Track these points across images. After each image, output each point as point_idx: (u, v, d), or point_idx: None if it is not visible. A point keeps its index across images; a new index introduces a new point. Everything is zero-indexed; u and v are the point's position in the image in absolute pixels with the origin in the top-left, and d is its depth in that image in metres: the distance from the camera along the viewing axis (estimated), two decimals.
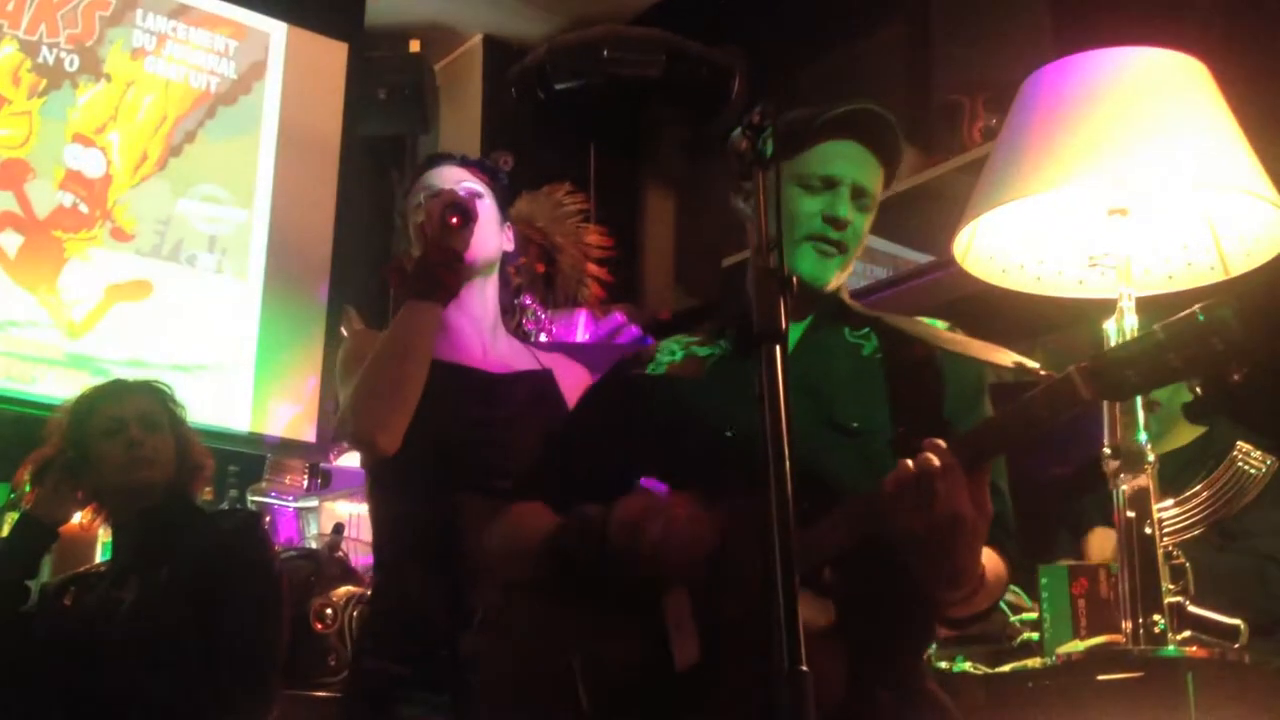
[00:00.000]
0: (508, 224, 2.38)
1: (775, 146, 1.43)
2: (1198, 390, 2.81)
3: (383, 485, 2.31)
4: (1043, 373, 1.51)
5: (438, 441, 2.20)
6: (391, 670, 2.18)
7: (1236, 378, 2.83)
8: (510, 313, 2.42)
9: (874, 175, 1.77)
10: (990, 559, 1.58)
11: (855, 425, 1.66)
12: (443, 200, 2.24)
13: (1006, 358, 1.64)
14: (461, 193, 2.28)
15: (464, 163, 2.38)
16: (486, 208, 2.31)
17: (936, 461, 1.42)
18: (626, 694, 1.57)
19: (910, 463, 1.44)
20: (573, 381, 2.32)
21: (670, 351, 1.84)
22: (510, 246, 2.38)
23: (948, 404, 1.70)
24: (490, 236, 2.31)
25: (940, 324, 1.78)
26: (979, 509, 1.46)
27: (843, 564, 1.51)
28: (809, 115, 1.74)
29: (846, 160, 1.75)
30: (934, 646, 2.40)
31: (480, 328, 2.33)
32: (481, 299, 2.33)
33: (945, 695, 1.70)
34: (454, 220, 2.18)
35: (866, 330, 1.78)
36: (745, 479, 1.48)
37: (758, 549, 1.26)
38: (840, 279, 1.78)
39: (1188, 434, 2.81)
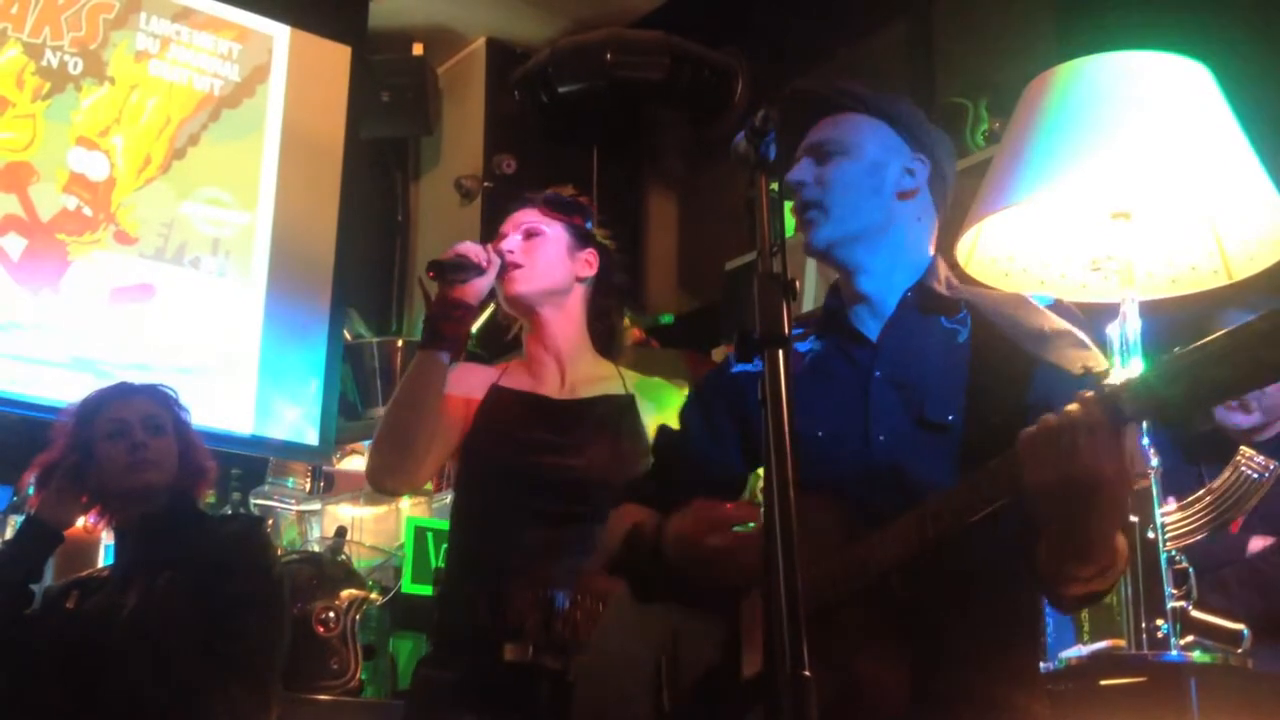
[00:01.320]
0: (590, 249, 2.45)
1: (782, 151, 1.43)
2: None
3: (454, 506, 2.46)
4: (1105, 378, 1.43)
5: (499, 466, 2.32)
6: (439, 678, 2.29)
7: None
8: (611, 335, 2.47)
9: (826, 127, 1.73)
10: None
11: (949, 420, 1.61)
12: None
13: (1078, 360, 1.55)
14: (520, 232, 2.41)
15: (534, 203, 2.47)
16: (546, 242, 2.40)
17: (1080, 412, 1.35)
18: (704, 698, 1.58)
19: (1052, 415, 1.37)
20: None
21: None
22: (589, 271, 2.44)
23: (1031, 395, 1.60)
24: (551, 268, 2.39)
25: (1046, 300, 1.71)
26: (1120, 475, 1.37)
27: (915, 571, 1.47)
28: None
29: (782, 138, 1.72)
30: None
31: (557, 355, 2.41)
32: (555, 327, 2.41)
33: (1048, 711, 1.62)
34: (430, 275, 2.29)
35: (963, 315, 1.71)
36: (829, 481, 1.51)
37: (821, 554, 1.24)
38: (832, 232, 1.71)
39: None
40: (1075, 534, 1.42)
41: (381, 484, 2.42)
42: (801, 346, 1.75)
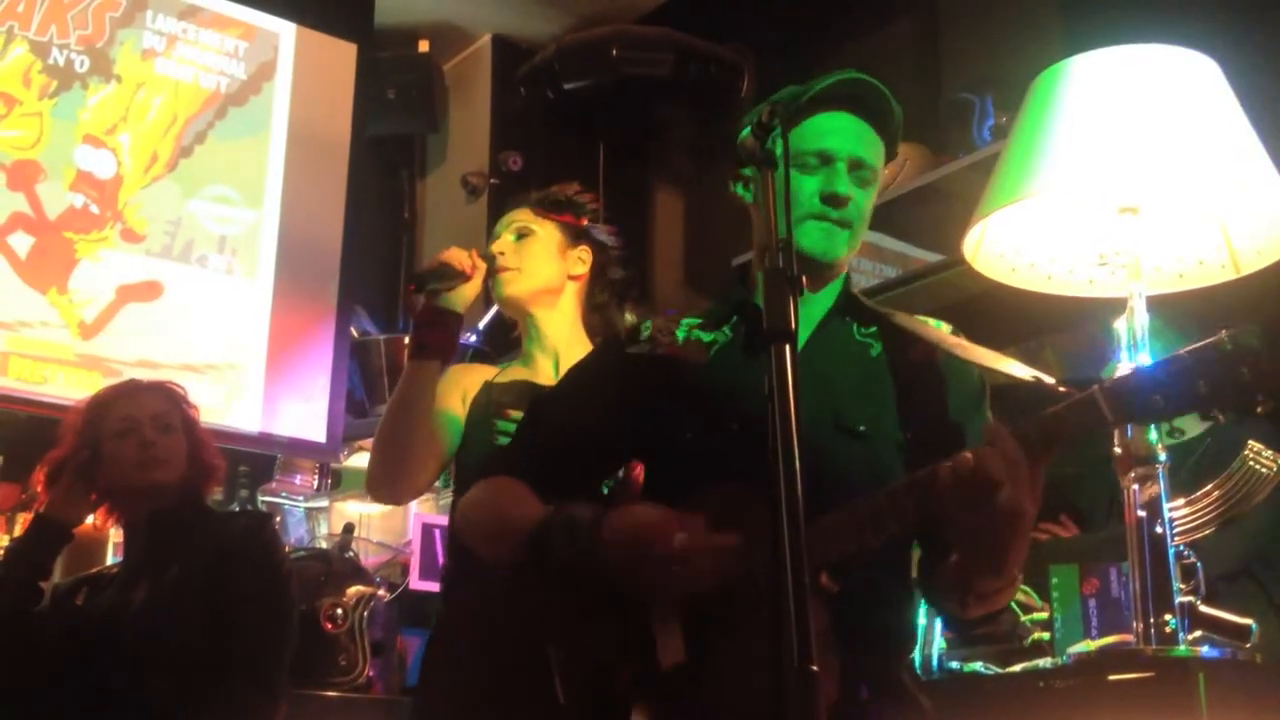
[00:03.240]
0: (583, 246, 2.47)
1: (783, 144, 1.43)
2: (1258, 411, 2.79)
3: (452, 501, 2.45)
4: (1062, 389, 1.48)
5: (489, 454, 2.30)
6: (434, 677, 2.31)
7: (1260, 410, 2.80)
8: (608, 328, 2.48)
9: (872, 147, 1.73)
10: None
11: (862, 429, 1.65)
12: None
13: (1022, 370, 1.61)
14: (511, 233, 2.43)
15: (526, 202, 2.49)
16: (536, 242, 2.43)
17: (999, 456, 1.40)
18: (604, 689, 1.56)
19: (970, 455, 1.41)
20: None
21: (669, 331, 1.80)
22: (582, 269, 2.47)
23: (951, 406, 1.68)
24: (541, 268, 2.43)
25: (945, 326, 1.76)
26: (1037, 505, 1.44)
27: (842, 565, 1.50)
28: (798, 91, 1.71)
29: (840, 134, 1.70)
30: (943, 646, 2.40)
31: (552, 352, 2.43)
32: (550, 326, 2.44)
33: (920, 691, 1.69)
34: (411, 289, 2.28)
35: (874, 329, 1.76)
36: (749, 475, 1.47)
37: (760, 547, 1.25)
38: (848, 256, 1.74)
39: (1192, 425, 2.80)
40: (990, 555, 1.48)
41: (379, 496, 2.49)
42: (704, 337, 1.76)
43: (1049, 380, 1.56)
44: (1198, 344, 1.36)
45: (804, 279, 1.67)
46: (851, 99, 1.71)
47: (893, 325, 1.75)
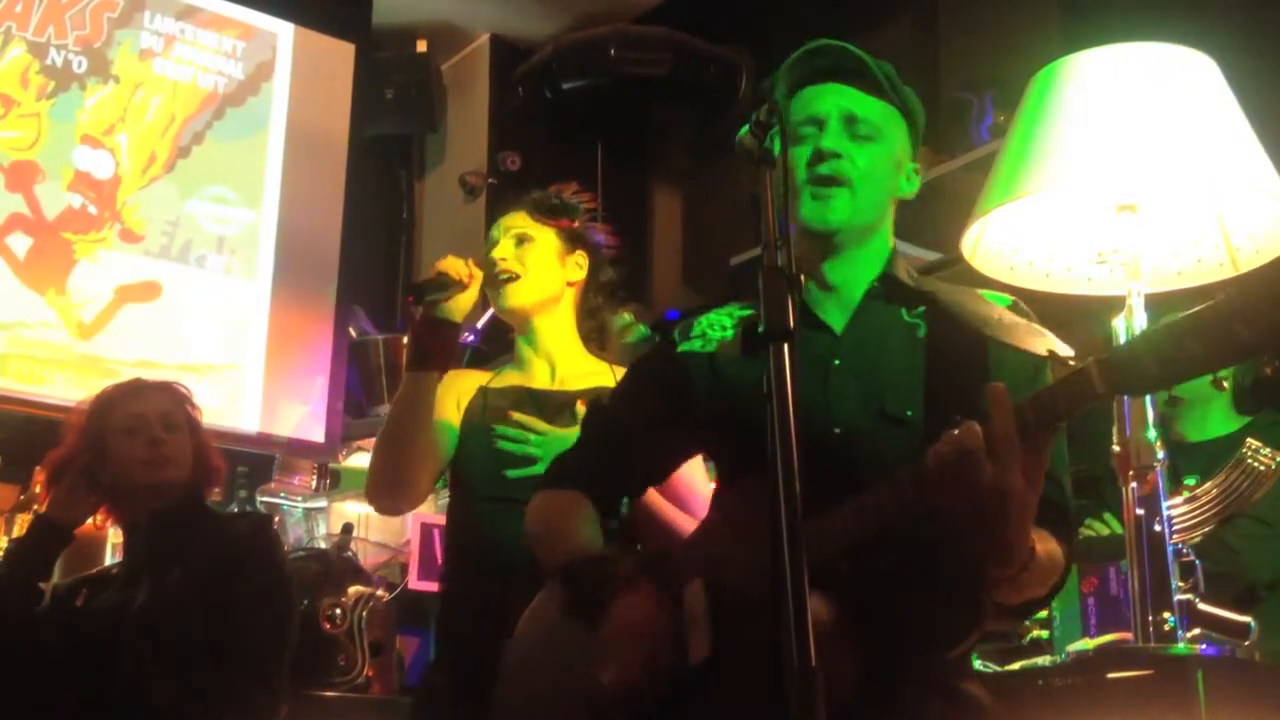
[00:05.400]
0: (579, 250, 2.47)
1: (781, 142, 1.42)
2: (1266, 371, 2.77)
3: (449, 505, 2.48)
4: (1070, 362, 1.41)
5: (486, 459, 2.32)
6: (442, 681, 2.32)
7: (1268, 370, 2.79)
8: (602, 333, 2.48)
9: (864, 103, 1.68)
10: (1042, 540, 1.51)
11: (909, 414, 1.60)
12: None
13: (1041, 344, 1.56)
14: (510, 238, 2.42)
15: (523, 206, 2.48)
16: (536, 249, 2.42)
17: (980, 434, 1.35)
18: (645, 685, 1.57)
19: (956, 433, 1.37)
20: None
21: (720, 326, 1.77)
22: (580, 274, 2.47)
23: (992, 380, 1.61)
24: (543, 277, 2.42)
25: (1004, 299, 1.71)
26: (1029, 484, 1.38)
27: (861, 554, 1.47)
28: (778, 76, 1.70)
29: (826, 94, 1.67)
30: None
31: (548, 356, 2.43)
32: (547, 332, 2.44)
33: (987, 696, 1.63)
34: (410, 300, 2.33)
35: (922, 310, 1.70)
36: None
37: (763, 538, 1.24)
38: (851, 217, 1.67)
39: (1227, 424, 2.80)
40: (984, 539, 1.42)
41: (380, 506, 2.51)
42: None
43: (1064, 353, 1.49)
44: (1195, 308, 1.30)
45: (824, 269, 1.67)
46: (830, 72, 1.69)
47: (940, 306, 1.69)
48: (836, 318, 1.70)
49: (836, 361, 1.65)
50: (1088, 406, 1.37)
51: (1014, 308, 1.71)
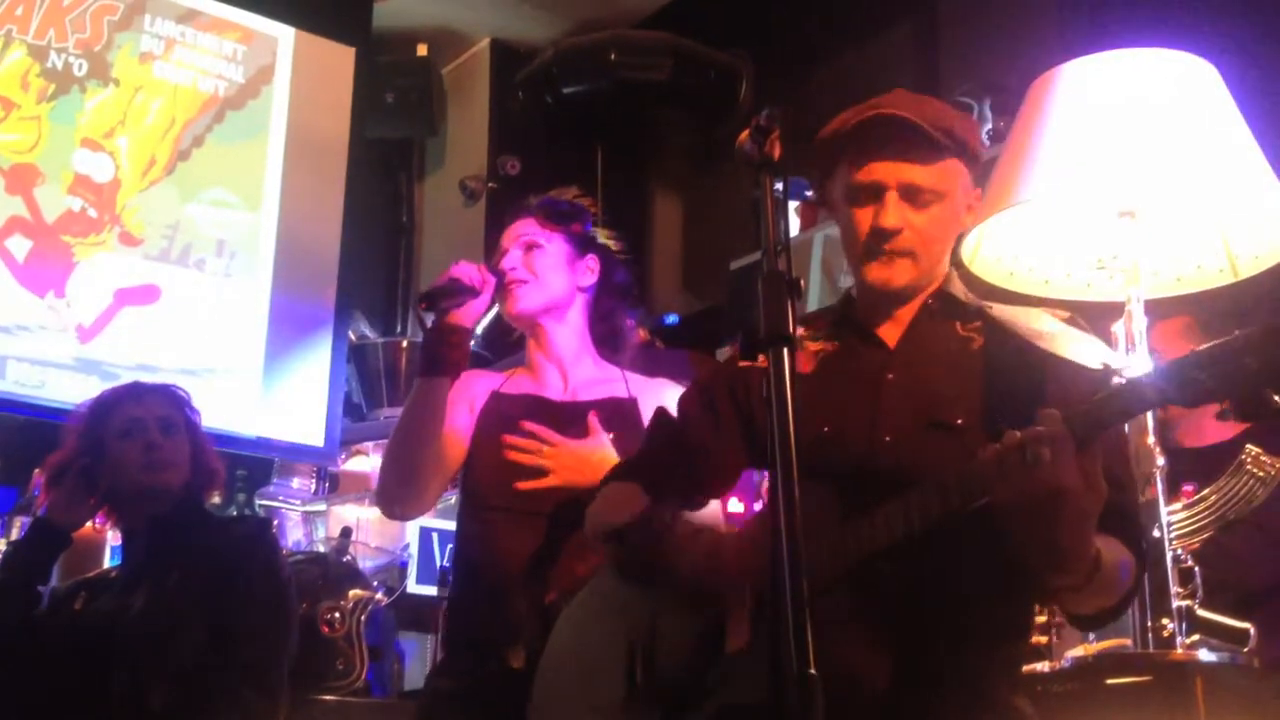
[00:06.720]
0: (590, 255, 2.45)
1: (787, 151, 1.42)
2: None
3: (459, 513, 2.44)
4: (1116, 378, 1.47)
5: (499, 470, 2.30)
6: (446, 687, 2.30)
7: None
8: (615, 336, 2.46)
9: (924, 172, 1.69)
10: (1110, 546, 1.51)
11: (960, 421, 1.62)
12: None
13: (1097, 357, 1.59)
14: (519, 246, 2.40)
15: (531, 212, 2.46)
16: (545, 255, 2.40)
17: (1042, 429, 1.38)
18: (680, 671, 1.59)
19: (1017, 431, 1.40)
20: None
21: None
22: (591, 279, 2.44)
23: (1051, 396, 1.61)
24: (552, 282, 2.40)
25: (1061, 314, 1.73)
26: (1089, 486, 1.41)
27: (901, 555, 1.49)
28: (832, 133, 1.72)
29: (884, 167, 1.69)
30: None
31: (559, 362, 2.41)
32: (558, 337, 2.42)
33: (1013, 692, 1.62)
34: (422, 307, 2.30)
35: (978, 324, 1.73)
36: (839, 479, 1.55)
37: (816, 543, 1.26)
38: (919, 277, 1.72)
39: (1226, 430, 2.80)
40: (1043, 544, 1.44)
41: (390, 512, 2.49)
42: (813, 343, 1.77)
43: (1117, 365, 1.55)
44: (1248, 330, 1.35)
45: (800, 281, 1.71)
46: (886, 141, 1.69)
47: (994, 320, 1.72)
48: (888, 331, 1.74)
49: (890, 375, 1.69)
50: (1146, 410, 1.42)
51: (1071, 321, 1.73)
